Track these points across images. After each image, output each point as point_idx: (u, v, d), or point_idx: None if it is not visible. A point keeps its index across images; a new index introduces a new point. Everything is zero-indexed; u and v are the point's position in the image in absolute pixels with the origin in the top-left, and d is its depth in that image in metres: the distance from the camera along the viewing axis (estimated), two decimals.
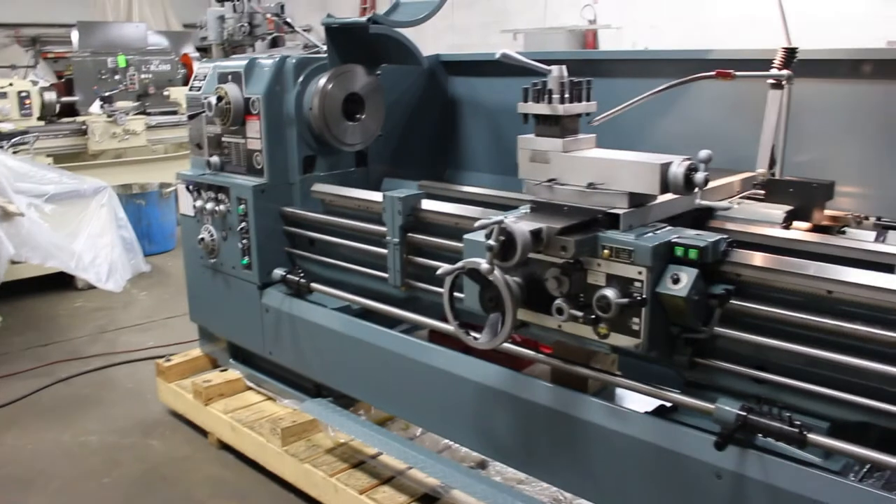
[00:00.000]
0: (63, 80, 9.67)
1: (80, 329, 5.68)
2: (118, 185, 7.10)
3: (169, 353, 4.41)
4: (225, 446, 3.79)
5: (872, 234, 2.62)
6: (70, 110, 8.25)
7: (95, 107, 7.91)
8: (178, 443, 3.95)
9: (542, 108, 2.37)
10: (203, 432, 3.94)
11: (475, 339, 2.35)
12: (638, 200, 2.27)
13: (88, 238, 5.60)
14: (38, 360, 5.07)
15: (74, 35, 9.20)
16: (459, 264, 2.27)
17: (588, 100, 2.40)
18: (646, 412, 2.40)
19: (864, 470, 2.22)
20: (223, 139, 3.70)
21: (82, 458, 3.85)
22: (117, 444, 3.97)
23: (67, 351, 5.24)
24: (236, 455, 3.72)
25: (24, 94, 7.50)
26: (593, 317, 2.19)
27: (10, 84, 7.60)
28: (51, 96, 7.86)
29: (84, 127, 7.62)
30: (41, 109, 7.72)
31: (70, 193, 5.72)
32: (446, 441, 3.25)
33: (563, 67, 2.37)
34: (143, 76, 8.82)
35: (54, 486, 3.63)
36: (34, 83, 8.11)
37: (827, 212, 2.67)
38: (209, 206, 3.70)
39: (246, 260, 3.60)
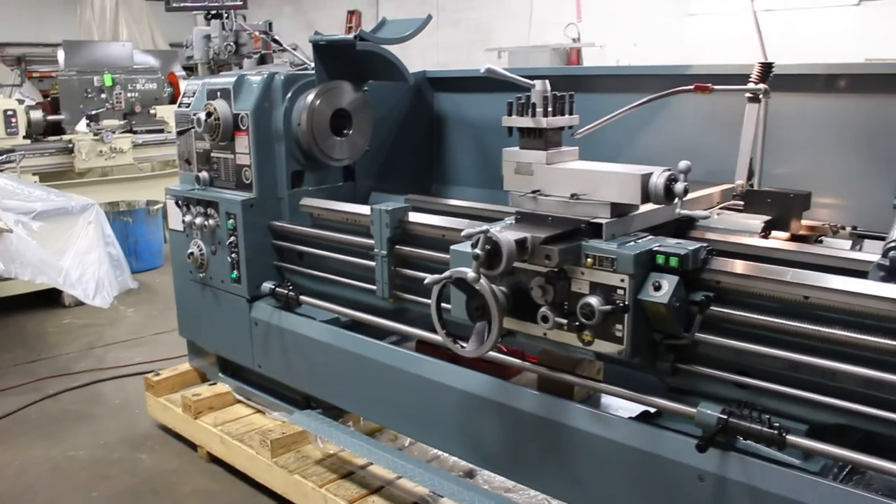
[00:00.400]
0: (49, 98, 9.72)
1: (68, 345, 5.68)
2: (105, 203, 7.12)
3: (157, 369, 4.42)
4: (214, 459, 3.81)
5: (848, 243, 2.69)
6: (56, 129, 8.28)
7: (82, 125, 7.95)
8: (168, 456, 3.97)
9: (526, 122, 2.44)
10: (192, 445, 3.96)
11: (462, 347, 2.39)
12: (620, 210, 2.33)
13: (76, 255, 5.63)
14: (26, 376, 5.07)
15: (60, 54, 9.24)
16: (446, 274, 2.32)
17: (571, 113, 2.47)
18: (630, 418, 2.45)
19: (845, 473, 2.27)
20: (212, 155, 3.74)
21: (71, 473, 3.86)
22: (106, 458, 3.98)
23: (55, 367, 5.24)
24: (226, 468, 3.74)
25: (9, 113, 7.52)
26: (577, 324, 2.24)
27: None
28: (37, 115, 7.90)
29: (70, 145, 7.65)
30: (27, 128, 7.75)
31: (57, 211, 5.75)
32: (435, 451, 3.28)
33: (547, 82, 2.44)
34: (129, 95, 8.88)
35: (41, 500, 3.64)
36: (20, 102, 8.15)
37: (804, 222, 2.74)
38: (198, 220, 3.74)
39: (235, 274, 3.64)
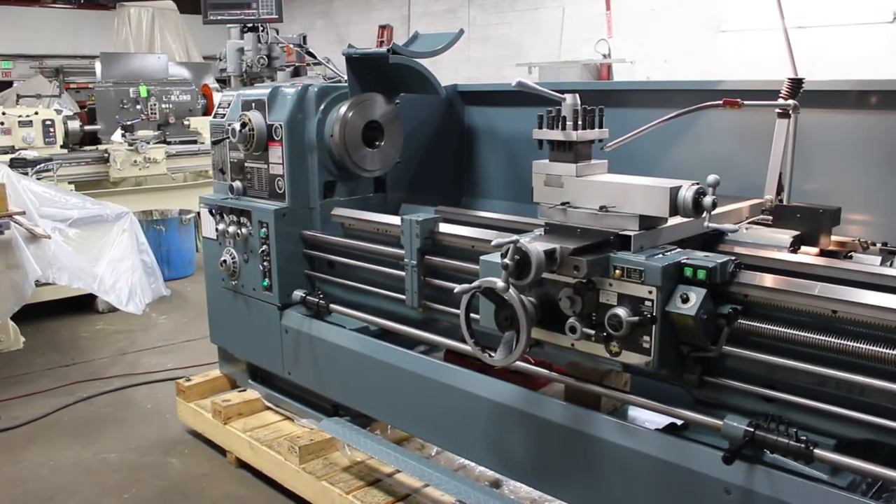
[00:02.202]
0: (86, 109, 9.91)
1: (101, 350, 5.78)
2: (139, 212, 7.24)
3: (188, 375, 4.49)
4: (243, 464, 3.87)
5: (878, 259, 2.68)
6: (92, 139, 8.45)
7: (117, 135, 8.09)
8: (198, 461, 4.03)
9: (556, 135, 2.46)
10: (222, 451, 4.02)
11: (491, 356, 2.42)
12: (648, 223, 2.35)
13: (110, 262, 5.75)
14: (60, 380, 5.17)
15: (97, 66, 9.43)
16: (476, 283, 2.35)
17: (601, 127, 2.50)
18: (657, 429, 2.46)
19: (874, 489, 2.26)
20: (246, 164, 3.81)
21: (103, 475, 3.93)
22: (137, 461, 4.05)
23: (88, 371, 5.34)
24: (254, 473, 3.79)
25: (48, 123, 7.70)
26: (605, 335, 2.26)
27: (36, 113, 7.81)
28: (74, 125, 8.06)
29: (106, 155, 7.80)
30: (64, 138, 7.92)
31: (93, 218, 5.88)
32: (461, 460, 3.30)
33: (577, 95, 2.47)
34: (163, 106, 9.04)
35: (74, 501, 3.71)
36: (58, 112, 8.31)
37: (834, 237, 2.73)
38: (231, 229, 3.80)
39: (266, 282, 3.69)
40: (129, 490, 3.78)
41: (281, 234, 3.63)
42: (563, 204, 2.47)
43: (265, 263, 3.68)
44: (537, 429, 2.66)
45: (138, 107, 8.80)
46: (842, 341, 2.06)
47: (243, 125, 3.66)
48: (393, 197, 4.00)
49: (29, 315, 5.83)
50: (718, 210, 2.47)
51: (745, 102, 2.88)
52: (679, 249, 2.35)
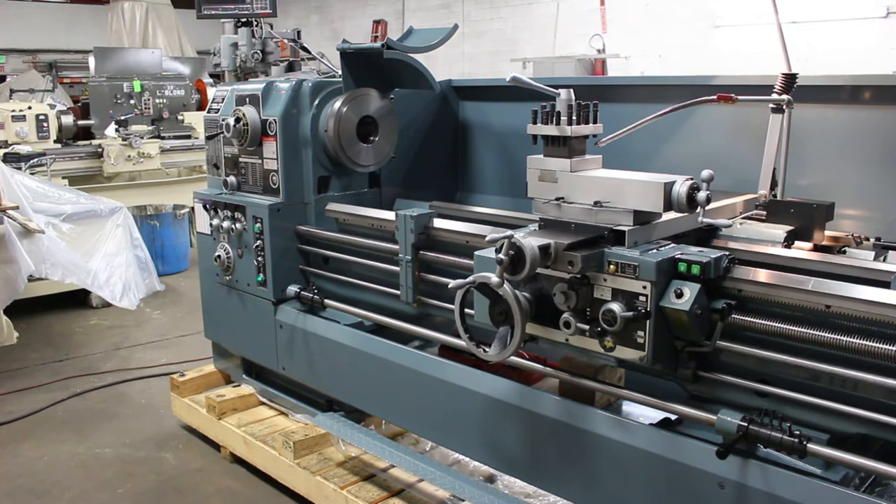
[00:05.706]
0: (79, 104, 9.88)
1: (95, 346, 5.77)
2: (132, 207, 7.23)
3: (182, 370, 4.49)
4: (238, 459, 3.87)
5: (871, 254, 2.69)
6: (86, 133, 8.43)
7: (111, 130, 8.06)
8: (192, 456, 4.03)
9: (550, 130, 2.46)
10: (216, 446, 4.02)
11: (485, 351, 2.42)
12: (643, 218, 2.35)
13: (104, 257, 5.75)
14: (54, 374, 5.17)
15: (91, 61, 9.40)
16: (470, 278, 2.34)
17: (595, 122, 2.49)
18: (651, 424, 2.47)
19: (867, 484, 2.27)
20: (240, 159, 3.81)
21: (97, 470, 3.93)
22: (131, 456, 4.05)
23: (82, 366, 5.33)
24: (248, 468, 3.80)
25: (41, 118, 7.67)
26: (599, 330, 2.27)
27: (29, 107, 7.78)
28: (68, 120, 8.05)
29: (99, 150, 7.78)
30: (58, 132, 7.90)
31: (87, 213, 5.87)
32: (456, 455, 3.31)
33: (571, 91, 2.47)
34: (157, 101, 9.01)
35: (69, 496, 3.70)
36: (52, 107, 8.29)
37: (827, 233, 2.74)
38: (226, 224, 3.80)
39: (261, 277, 3.69)
40: (124, 485, 3.77)
41: (275, 230, 3.62)
42: (557, 199, 2.48)
43: (259, 259, 3.67)
44: (532, 424, 2.67)
45: (132, 102, 8.78)
46: (835, 336, 2.06)
47: (237, 120, 3.65)
48: (387, 192, 4.00)
49: (23, 310, 5.83)
50: (712, 205, 2.46)
51: (740, 98, 2.89)
52: (673, 245, 2.35)
